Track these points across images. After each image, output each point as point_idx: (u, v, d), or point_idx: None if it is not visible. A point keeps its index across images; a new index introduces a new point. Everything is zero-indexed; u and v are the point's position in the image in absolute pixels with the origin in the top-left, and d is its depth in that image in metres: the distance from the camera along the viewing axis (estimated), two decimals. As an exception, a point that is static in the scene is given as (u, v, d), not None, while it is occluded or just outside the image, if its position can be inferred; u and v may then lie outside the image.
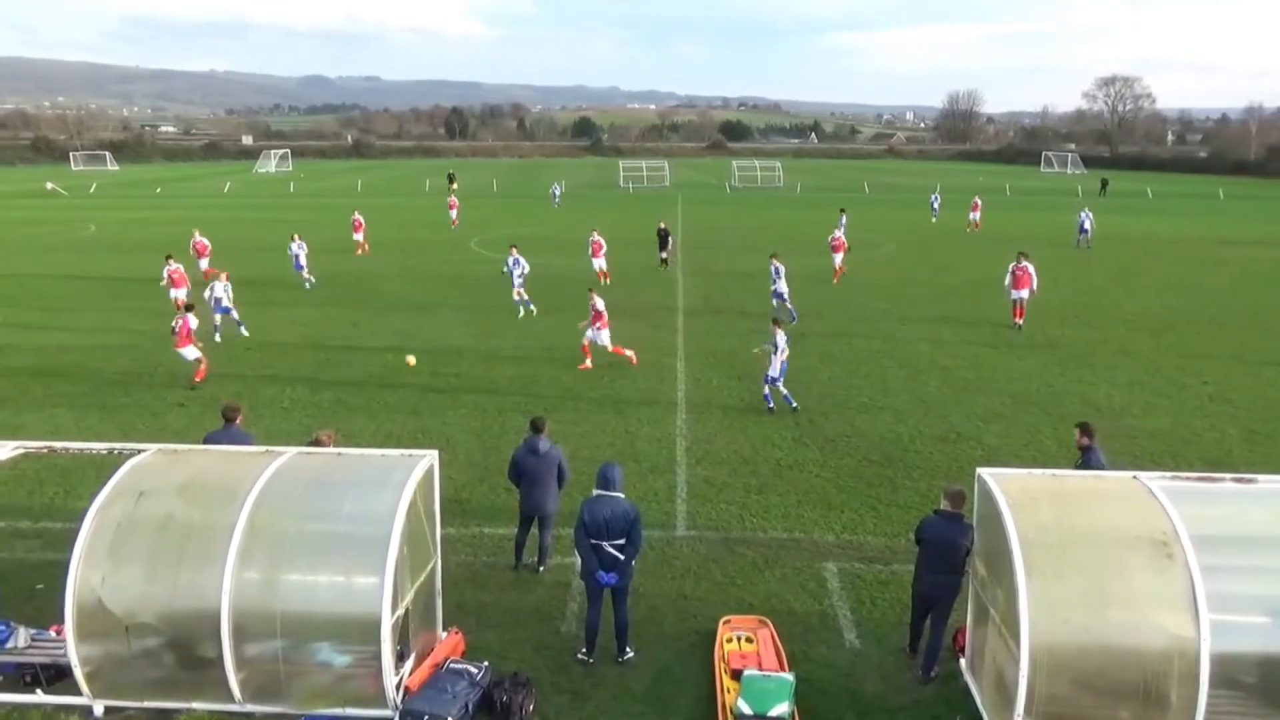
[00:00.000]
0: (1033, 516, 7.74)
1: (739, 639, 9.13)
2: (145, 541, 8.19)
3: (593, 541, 8.99)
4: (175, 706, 8.16)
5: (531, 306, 25.68)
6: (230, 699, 8.05)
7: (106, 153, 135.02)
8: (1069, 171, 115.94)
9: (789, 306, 25.10)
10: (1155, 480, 8.20)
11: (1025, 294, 24.22)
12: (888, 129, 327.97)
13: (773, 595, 10.51)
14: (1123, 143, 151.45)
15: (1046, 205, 66.99)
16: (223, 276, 23.18)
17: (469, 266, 35.45)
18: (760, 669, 8.53)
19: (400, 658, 8.39)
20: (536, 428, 11.00)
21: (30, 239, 45.33)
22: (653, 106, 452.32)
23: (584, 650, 9.23)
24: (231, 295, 22.78)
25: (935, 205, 55.39)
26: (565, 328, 23.82)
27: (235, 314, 22.83)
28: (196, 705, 8.13)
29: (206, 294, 22.72)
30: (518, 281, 25.96)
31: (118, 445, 9.48)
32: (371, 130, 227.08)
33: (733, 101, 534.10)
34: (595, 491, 9.20)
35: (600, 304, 20.19)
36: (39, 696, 8.41)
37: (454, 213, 51.46)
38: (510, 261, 26.36)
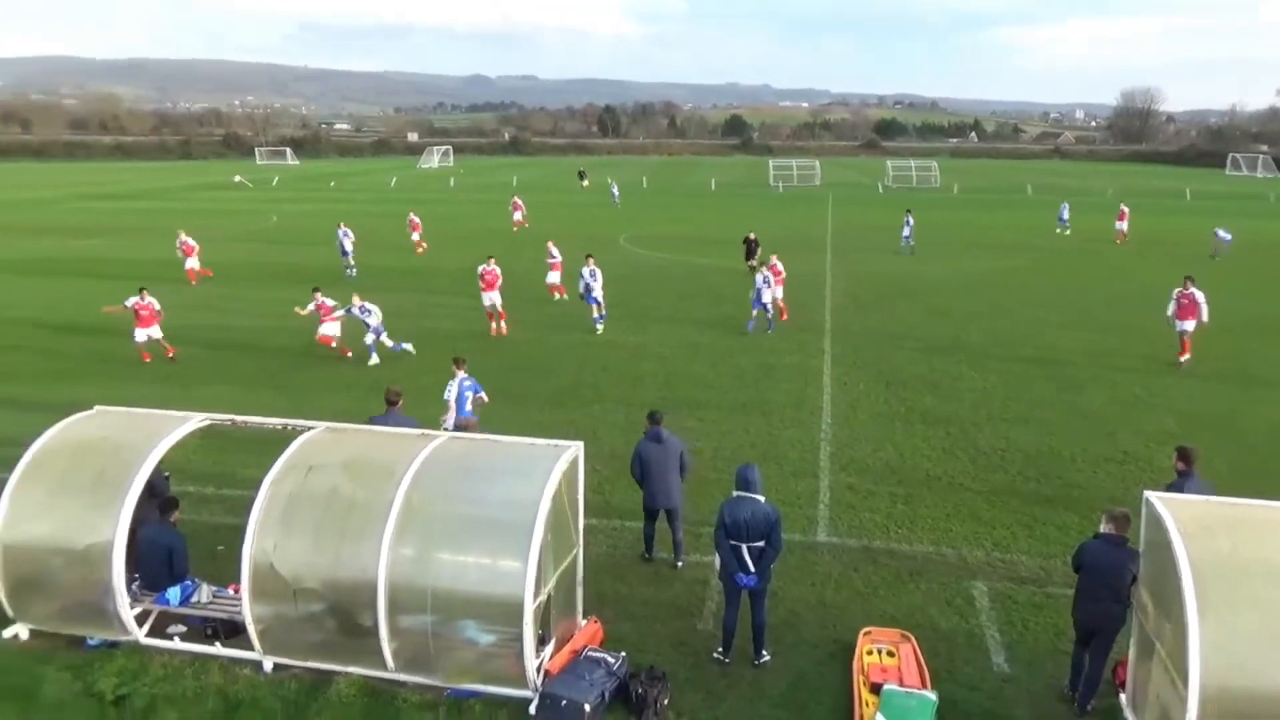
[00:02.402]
0: (1207, 546, 7.21)
1: (880, 652, 8.92)
2: (312, 513, 8.75)
3: (732, 542, 8.98)
4: (335, 669, 8.67)
5: (599, 324, 23.54)
6: (384, 667, 8.49)
7: (287, 149, 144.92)
8: (1259, 174, 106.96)
9: (769, 316, 23.39)
10: (1354, 516, 7.48)
11: (1191, 325, 20.28)
12: (1054, 128, 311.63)
13: (916, 610, 10.20)
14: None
15: (1236, 211, 61.98)
16: (355, 300, 20.71)
17: (620, 268, 36.00)
18: (901, 685, 8.30)
19: (541, 641, 8.64)
20: (655, 419, 11.21)
21: (219, 229, 49.06)
22: (804, 105, 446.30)
23: (720, 650, 9.23)
24: (380, 316, 20.70)
25: (1064, 215, 47.90)
26: (709, 325, 23.86)
27: (384, 338, 20.66)
28: (353, 669, 8.62)
29: (358, 314, 20.53)
30: (595, 296, 23.55)
31: (291, 421, 10.13)
32: (528, 128, 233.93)
33: (888, 99, 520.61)
34: (735, 493, 9.18)
35: (323, 300, 20.81)
36: (217, 649, 9.12)
37: (518, 214, 48.95)
38: (586, 273, 23.66)
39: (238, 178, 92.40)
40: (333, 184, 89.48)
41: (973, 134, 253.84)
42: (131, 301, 20.12)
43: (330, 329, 20.83)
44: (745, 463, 9.66)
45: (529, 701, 8.28)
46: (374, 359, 20.56)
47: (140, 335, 20.12)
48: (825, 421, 16.56)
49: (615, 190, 68.23)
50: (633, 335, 23.18)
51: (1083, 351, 21.78)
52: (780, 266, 24.84)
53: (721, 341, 22.48)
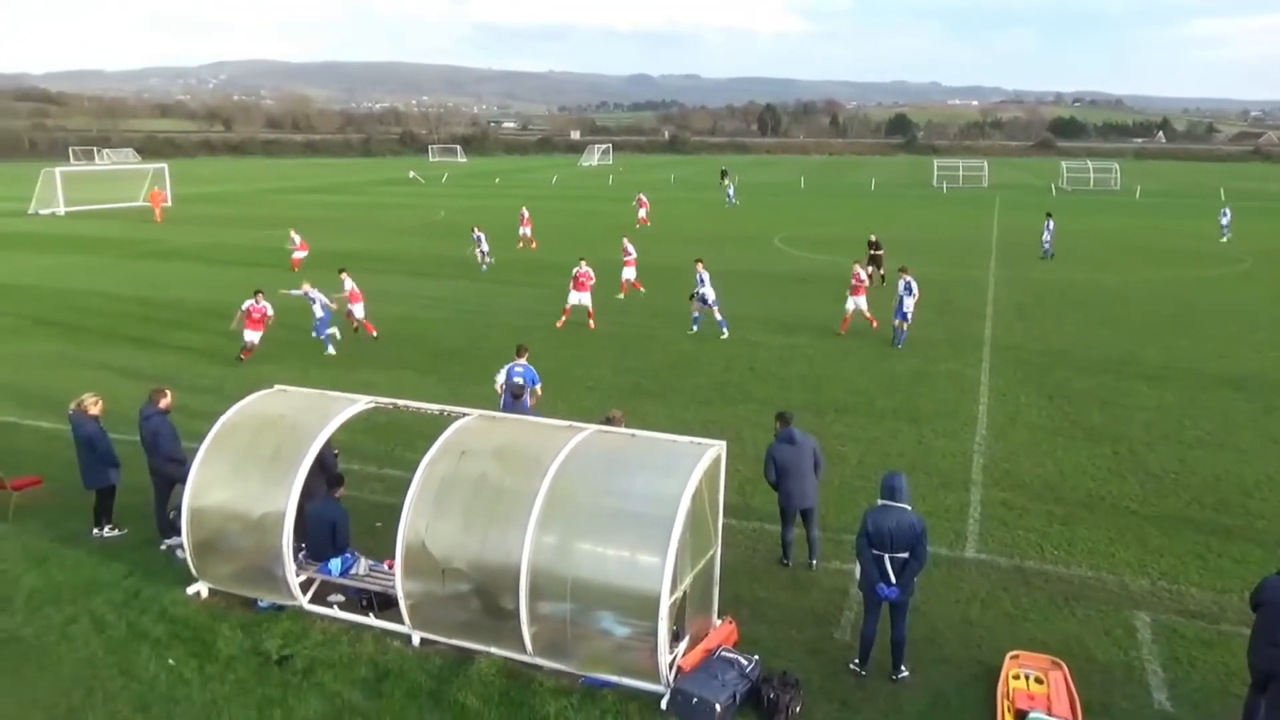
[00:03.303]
0: None
1: (1028, 678, 8.49)
2: (463, 496, 9.13)
3: (874, 552, 8.77)
4: (477, 648, 9.03)
5: (708, 325, 22.97)
6: (523, 650, 8.76)
7: (458, 146, 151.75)
8: None
9: (903, 328, 21.65)
10: None
11: None
12: (1255, 127, 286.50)
13: (1070, 637, 9.65)
14: None
15: None
16: (305, 286, 21.54)
17: (774, 269, 35.80)
18: (1050, 714, 7.88)
19: (675, 638, 8.70)
20: (786, 420, 11.08)
21: (391, 222, 51.95)
22: (975, 103, 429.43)
23: (856, 661, 9.03)
24: (324, 301, 21.29)
25: (1225, 221, 44.09)
26: (862, 329, 23.28)
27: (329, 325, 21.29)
28: (494, 650, 8.94)
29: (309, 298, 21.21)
30: (711, 299, 22.76)
31: (447, 407, 10.60)
32: (687, 126, 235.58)
33: (1066, 97, 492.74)
34: (880, 501, 8.95)
35: (350, 283, 22.50)
36: (371, 619, 9.67)
37: (643, 211, 49.69)
38: (697, 279, 22.96)
39: (411, 174, 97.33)
40: (497, 180, 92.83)
41: (1159, 133, 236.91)
42: (246, 305, 20.27)
43: (357, 310, 22.47)
44: (892, 470, 9.40)
45: (660, 696, 8.36)
46: (330, 350, 21.13)
47: (249, 336, 20.22)
48: (980, 433, 15.89)
49: (731, 190, 66.09)
50: (782, 337, 22.95)
51: (1277, 372, 19.97)
52: (863, 274, 23.57)
53: (874, 346, 21.93)
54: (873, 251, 30.45)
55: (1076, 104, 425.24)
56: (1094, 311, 26.45)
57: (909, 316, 21.68)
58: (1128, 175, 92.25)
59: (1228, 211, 45.36)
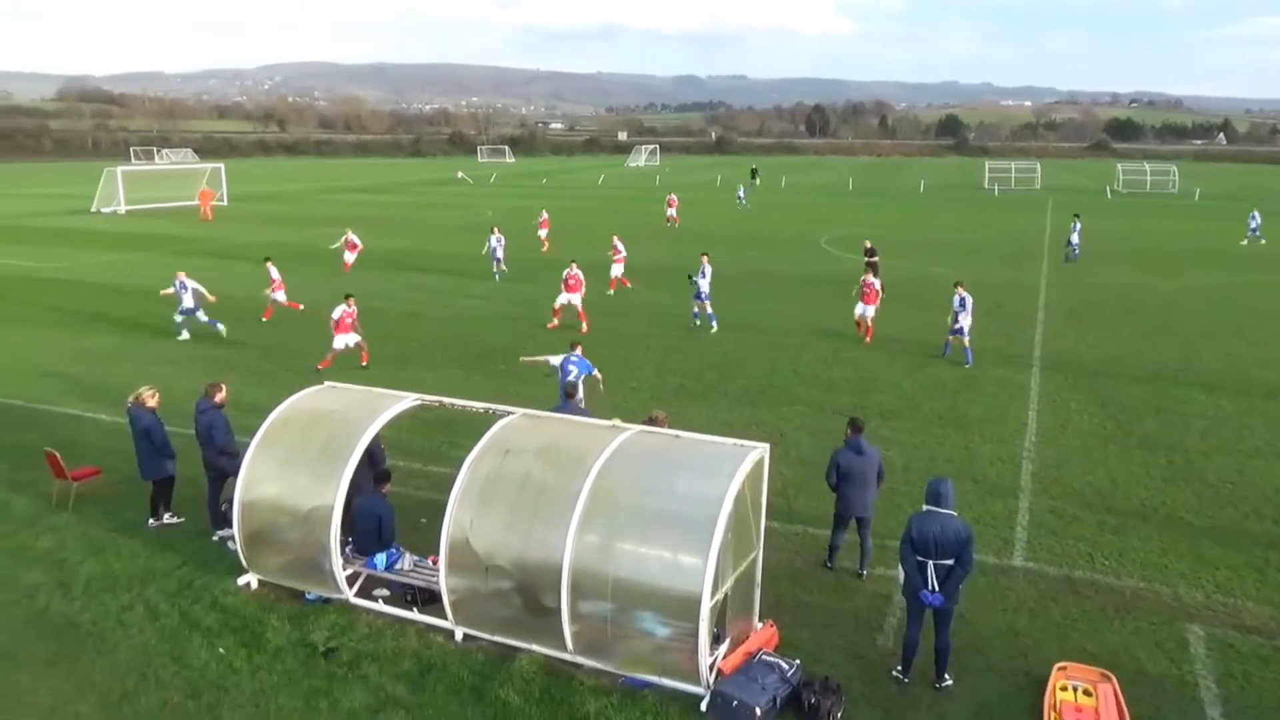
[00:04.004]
0: None
1: (1075, 689, 8.33)
2: (507, 494, 9.20)
3: (918, 559, 8.67)
4: (519, 645, 9.10)
5: (714, 322, 23.55)
6: (564, 648, 8.81)
7: (506, 147, 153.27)
8: None
9: (965, 344, 20.51)
10: None
11: None
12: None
13: (1120, 649, 9.45)
14: None
15: None
16: (179, 275, 22.49)
17: (820, 271, 35.56)
18: (1097, 726, 7.73)
19: (716, 640, 8.69)
20: (858, 427, 10.97)
21: (440, 221, 52.50)
22: (1028, 104, 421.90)
23: (900, 668, 8.94)
24: (202, 294, 22.50)
25: (1254, 224, 43.58)
26: (909, 332, 23.02)
27: (202, 315, 22.40)
28: (536, 648, 9.01)
29: (178, 288, 22.30)
30: (704, 293, 23.65)
31: (493, 406, 10.69)
32: (734, 127, 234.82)
33: (1123, 98, 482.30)
34: (925, 507, 8.83)
35: (275, 272, 24.76)
36: (415, 614, 9.80)
37: (672, 210, 49.07)
38: (700, 270, 23.97)
39: (460, 174, 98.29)
40: (544, 181, 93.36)
41: (1220, 135, 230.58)
42: (339, 312, 19.68)
43: (279, 296, 24.55)
44: (938, 476, 9.29)
45: (700, 698, 8.35)
46: (184, 335, 22.59)
47: (339, 342, 19.64)
48: (1029, 439, 15.62)
49: (741, 191, 65.26)
50: (828, 340, 22.78)
51: (1342, 380, 19.35)
52: (877, 283, 23.11)
53: (921, 350, 21.66)
54: (868, 259, 29.39)
55: (1134, 105, 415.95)
56: (1148, 316, 25.87)
57: (965, 330, 20.95)
58: (1186, 178, 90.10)
59: (1257, 214, 44.81)
